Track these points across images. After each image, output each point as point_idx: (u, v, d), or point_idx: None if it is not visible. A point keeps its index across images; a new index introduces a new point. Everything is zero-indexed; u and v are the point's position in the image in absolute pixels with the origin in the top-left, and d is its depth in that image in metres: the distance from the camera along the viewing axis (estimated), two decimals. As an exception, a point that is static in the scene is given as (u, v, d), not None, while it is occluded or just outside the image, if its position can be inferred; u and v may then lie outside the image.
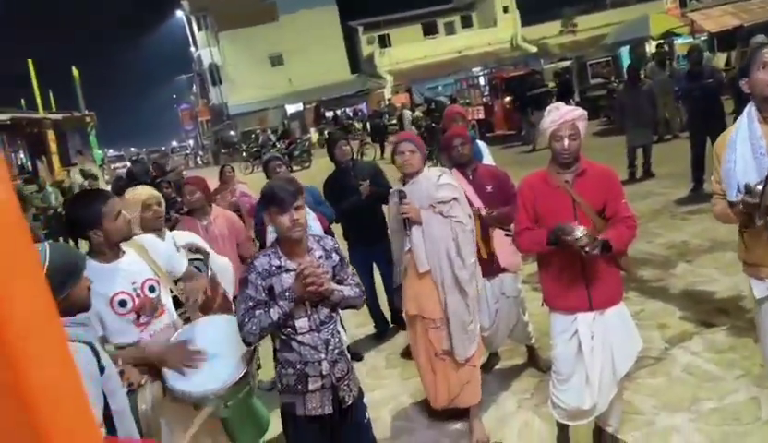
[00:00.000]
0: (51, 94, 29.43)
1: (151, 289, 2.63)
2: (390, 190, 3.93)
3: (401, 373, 4.73)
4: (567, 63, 22.26)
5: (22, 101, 28.39)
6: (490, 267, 4.04)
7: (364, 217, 4.97)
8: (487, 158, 4.76)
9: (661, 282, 5.37)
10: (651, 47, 21.72)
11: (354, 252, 5.11)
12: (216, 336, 2.66)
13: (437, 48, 38.68)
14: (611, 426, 3.23)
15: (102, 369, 1.94)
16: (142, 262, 2.67)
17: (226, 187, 6.04)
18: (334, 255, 2.70)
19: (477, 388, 3.68)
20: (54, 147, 25.94)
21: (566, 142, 2.93)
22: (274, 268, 2.56)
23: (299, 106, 37.82)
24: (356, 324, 5.66)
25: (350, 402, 2.67)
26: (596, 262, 2.93)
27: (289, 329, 2.56)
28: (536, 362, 4.35)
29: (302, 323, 2.56)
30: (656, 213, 7.46)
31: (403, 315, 3.86)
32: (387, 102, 31.55)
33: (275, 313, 2.47)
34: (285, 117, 35.14)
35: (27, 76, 25.87)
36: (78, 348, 1.89)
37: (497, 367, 4.48)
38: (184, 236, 3.52)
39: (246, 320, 2.49)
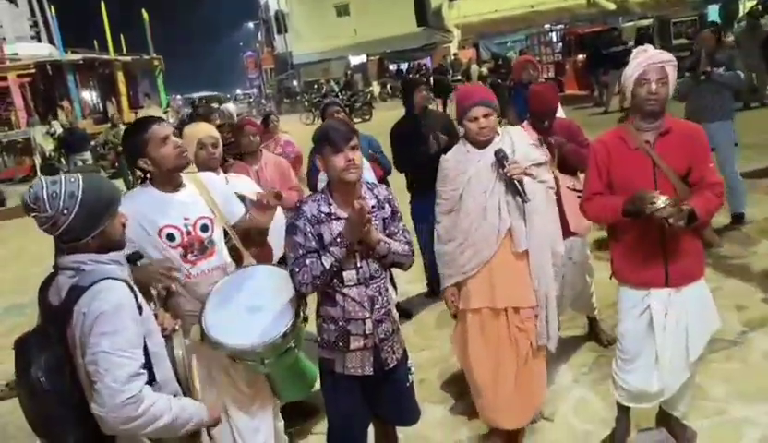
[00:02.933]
0: (122, 37, 30.10)
1: (204, 228, 2.54)
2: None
3: (451, 334, 4.54)
4: (648, 21, 20.91)
5: (95, 42, 29.12)
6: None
7: (433, 169, 4.71)
8: (559, 112, 4.42)
9: (740, 260, 4.95)
10: (744, 6, 20.07)
11: (418, 205, 4.83)
12: (261, 288, 2.51)
13: (508, 2, 37.00)
14: (679, 411, 2.97)
15: (139, 307, 1.86)
16: (199, 199, 2.58)
17: (270, 137, 5.90)
18: (387, 206, 2.51)
19: (544, 380, 3.18)
20: (123, 89, 26.68)
21: (653, 86, 2.60)
22: (323, 215, 2.40)
23: (363, 58, 37.29)
24: (408, 280, 5.49)
25: (392, 365, 2.52)
26: (678, 234, 2.62)
27: (335, 280, 2.41)
28: (597, 335, 4.08)
29: (350, 275, 2.41)
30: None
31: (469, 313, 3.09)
32: (453, 57, 30.68)
33: (327, 260, 2.32)
34: (348, 69, 34.76)
35: (99, 17, 26.44)
36: (116, 285, 1.80)
37: (553, 337, 4.23)
38: (238, 184, 3.39)
39: (297, 270, 2.36)
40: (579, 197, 3.66)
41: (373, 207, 2.43)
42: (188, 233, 2.50)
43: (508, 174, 2.80)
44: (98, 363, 1.72)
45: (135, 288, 1.89)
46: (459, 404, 3.66)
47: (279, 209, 3.52)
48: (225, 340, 2.34)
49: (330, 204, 2.42)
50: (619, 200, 2.66)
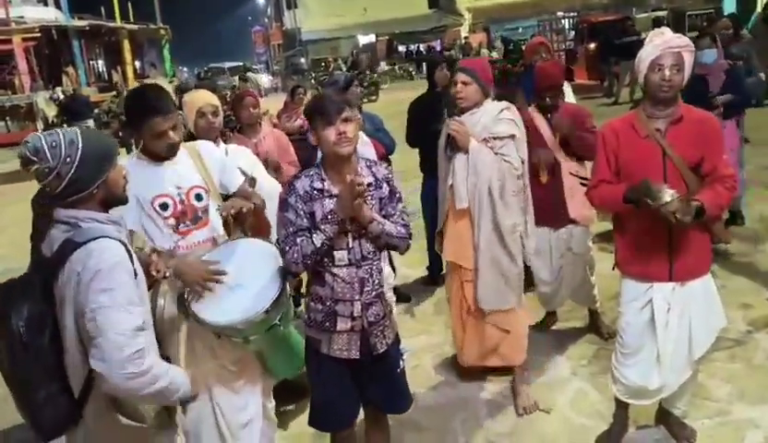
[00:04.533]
0: (129, 5, 29.79)
1: (198, 197, 2.47)
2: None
3: (448, 321, 4.45)
4: (662, 13, 20.59)
5: (102, 9, 28.80)
6: (558, 215, 3.65)
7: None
8: (570, 98, 4.29)
9: (747, 258, 4.84)
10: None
11: (428, 185, 4.75)
12: (246, 263, 2.41)
13: (521, -13, 36.59)
14: (679, 410, 2.90)
15: (134, 270, 1.82)
16: (193, 168, 2.50)
17: (295, 108, 5.84)
18: (385, 185, 2.39)
19: (516, 349, 3.38)
20: (129, 57, 26.46)
21: (667, 72, 2.49)
22: (316, 191, 2.29)
23: (371, 38, 36.91)
24: (408, 264, 5.40)
25: (382, 350, 2.42)
26: (685, 228, 2.52)
27: (326, 260, 2.30)
28: (598, 328, 3.99)
29: (341, 255, 2.31)
30: (747, 183, 6.77)
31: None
32: (463, 41, 30.36)
33: (318, 238, 2.22)
34: (355, 48, 34.42)
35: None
36: (112, 245, 1.76)
37: (553, 328, 4.15)
38: (238, 156, 3.28)
39: (288, 248, 2.26)
40: (582, 183, 3.58)
41: (369, 185, 2.33)
42: (182, 201, 2.43)
43: (446, 127, 3.22)
44: (97, 319, 1.69)
45: (131, 250, 1.85)
46: (453, 391, 3.59)
47: (279, 186, 3.43)
48: (208, 315, 2.26)
49: (323, 180, 2.31)
50: (622, 188, 2.57)
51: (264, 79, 22.61)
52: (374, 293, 2.37)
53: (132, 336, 1.69)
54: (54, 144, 1.74)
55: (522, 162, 3.23)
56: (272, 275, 2.33)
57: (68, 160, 1.74)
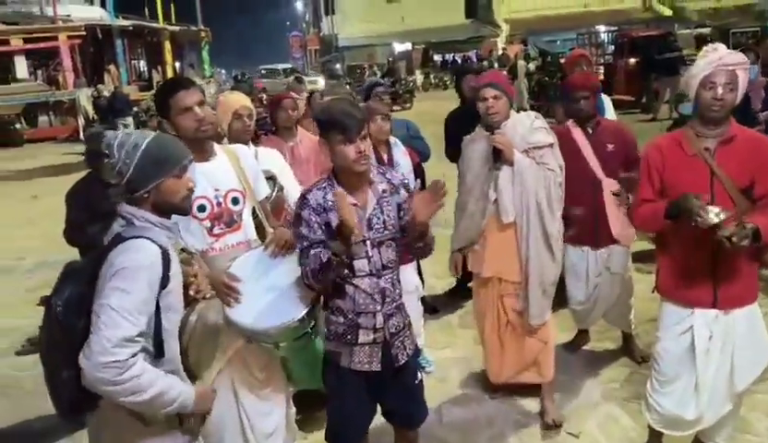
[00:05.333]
0: (172, 6, 30.47)
1: (235, 201, 2.47)
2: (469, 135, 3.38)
3: (475, 335, 4.36)
4: (705, 30, 20.19)
5: (146, 9, 29.52)
6: (599, 235, 3.55)
7: None
8: (610, 113, 4.18)
9: (792, 285, 4.64)
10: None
11: None
12: (281, 268, 2.40)
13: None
14: (716, 443, 2.76)
15: (166, 279, 1.80)
16: (231, 171, 2.51)
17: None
18: (402, 190, 2.34)
19: (549, 363, 3.31)
20: (169, 58, 26.98)
21: (719, 90, 2.38)
22: (330, 202, 2.24)
23: (407, 46, 37.01)
24: (436, 275, 5.32)
25: (402, 362, 2.36)
26: (734, 253, 2.39)
27: (346, 271, 2.25)
28: (631, 351, 3.87)
29: (360, 265, 2.25)
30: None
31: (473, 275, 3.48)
32: (500, 51, 30.18)
33: (325, 254, 2.15)
34: (391, 55, 34.52)
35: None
36: (149, 248, 1.77)
37: (584, 348, 4.03)
38: (267, 160, 3.27)
39: (302, 263, 2.22)
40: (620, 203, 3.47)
41: (384, 191, 2.30)
42: (219, 204, 2.43)
43: (490, 140, 3.12)
44: (100, 314, 1.71)
45: (171, 257, 1.85)
46: (479, 408, 3.51)
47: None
48: (240, 319, 2.26)
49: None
50: (664, 204, 2.47)
51: (321, 82, 23.18)
52: (394, 304, 2.33)
53: (119, 345, 1.67)
54: (121, 144, 1.84)
55: (561, 168, 3.18)
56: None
57: (127, 161, 1.82)
